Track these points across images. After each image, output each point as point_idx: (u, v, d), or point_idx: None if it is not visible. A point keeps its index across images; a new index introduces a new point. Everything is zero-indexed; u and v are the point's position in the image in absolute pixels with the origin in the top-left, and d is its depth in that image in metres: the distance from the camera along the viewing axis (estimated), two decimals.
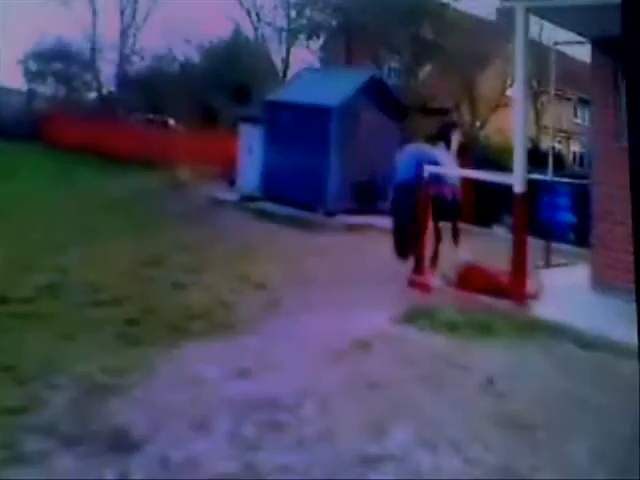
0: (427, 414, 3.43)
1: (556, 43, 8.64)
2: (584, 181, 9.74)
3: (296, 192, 11.81)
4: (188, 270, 7.10)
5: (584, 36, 6.98)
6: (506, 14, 21.56)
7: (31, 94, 26.80)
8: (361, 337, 4.72)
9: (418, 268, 6.11)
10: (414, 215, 6.57)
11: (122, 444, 3.11)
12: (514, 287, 5.39)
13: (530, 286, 5.55)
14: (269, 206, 11.85)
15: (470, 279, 5.65)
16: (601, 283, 6.21)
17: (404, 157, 7.43)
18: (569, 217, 10.78)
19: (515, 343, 4.67)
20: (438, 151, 7.12)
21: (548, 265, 7.67)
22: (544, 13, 6.10)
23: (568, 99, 26.08)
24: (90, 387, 3.76)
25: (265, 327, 5.11)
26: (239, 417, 3.39)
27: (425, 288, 5.90)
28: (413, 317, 5.29)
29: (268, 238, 9.27)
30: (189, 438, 3.16)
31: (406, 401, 3.58)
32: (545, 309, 5.27)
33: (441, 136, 7.31)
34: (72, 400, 3.56)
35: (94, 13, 25.35)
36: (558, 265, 7.78)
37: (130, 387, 3.74)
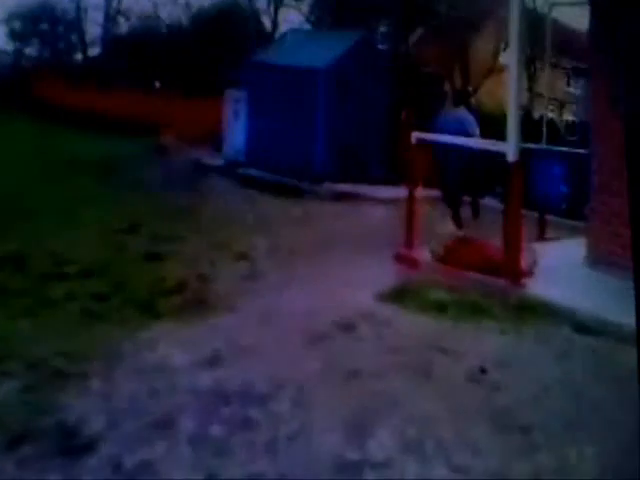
0: (412, 410, 3.05)
1: (553, 4, 8.08)
2: (578, 150, 9.32)
3: (282, 158, 11.28)
4: (166, 239, 6.67)
5: None
6: None
7: (17, 54, 25.76)
8: (344, 317, 4.33)
9: (408, 241, 5.68)
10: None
11: (71, 445, 2.72)
12: (507, 263, 5.00)
13: (524, 262, 5.16)
14: (254, 172, 11.33)
15: (460, 254, 5.25)
16: (598, 259, 5.84)
17: (449, 121, 7.94)
18: (563, 188, 10.39)
19: (508, 326, 4.29)
20: (471, 118, 8.36)
21: (542, 239, 7.28)
22: None
23: (562, 67, 25.43)
24: (43, 375, 3.35)
25: (243, 304, 4.71)
26: (206, 413, 3.00)
27: (413, 263, 5.50)
28: (400, 295, 4.90)
29: (252, 206, 8.82)
30: (147, 439, 2.77)
31: (390, 394, 3.20)
32: (540, 288, 4.90)
33: (462, 101, 7.91)
34: (19, 391, 3.15)
35: None
36: (552, 239, 7.40)
37: (88, 376, 3.34)
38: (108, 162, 11.58)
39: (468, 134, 8.23)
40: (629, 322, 4.33)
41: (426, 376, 3.44)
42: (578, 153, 9.69)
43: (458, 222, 7.76)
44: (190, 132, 14.35)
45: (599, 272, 5.72)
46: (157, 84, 20.90)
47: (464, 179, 8.47)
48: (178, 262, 5.88)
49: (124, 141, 14.86)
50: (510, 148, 5.08)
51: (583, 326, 4.34)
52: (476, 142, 6.65)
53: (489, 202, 9.97)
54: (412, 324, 4.31)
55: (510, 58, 5.38)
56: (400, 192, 9.12)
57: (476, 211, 8.74)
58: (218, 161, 12.51)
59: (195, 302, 4.75)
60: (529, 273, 5.15)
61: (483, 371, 3.59)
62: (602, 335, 4.24)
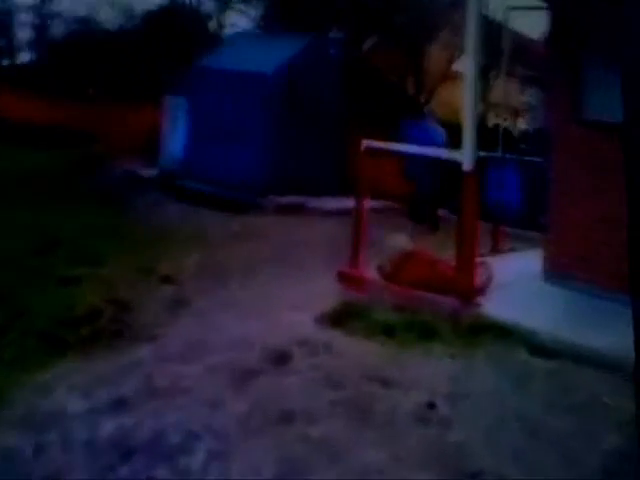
0: (351, 460, 2.72)
1: (511, 8, 8.04)
2: (533, 159, 9.29)
3: (223, 169, 10.87)
4: (84, 260, 6.18)
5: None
6: None
7: None
8: (278, 347, 3.99)
9: (353, 258, 5.38)
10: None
11: None
12: (460, 281, 4.76)
13: (478, 279, 4.94)
14: (192, 184, 10.88)
15: (409, 271, 4.98)
16: (555, 272, 5.69)
17: (419, 130, 8.46)
18: (517, 197, 10.35)
19: (461, 351, 4.03)
20: (440, 129, 9.07)
21: (496, 251, 7.13)
22: None
23: (515, 76, 25.94)
24: None
25: (163, 335, 4.31)
26: (102, 472, 2.60)
27: (358, 282, 5.19)
28: (342, 318, 4.60)
29: (187, 222, 8.39)
30: None
31: (325, 441, 2.86)
32: (494, 307, 4.67)
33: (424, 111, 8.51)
34: None
35: None
36: (507, 251, 7.25)
37: None
38: (31, 175, 10.93)
39: (437, 145, 8.37)
40: (587, 342, 4.17)
41: (368, 416, 3.13)
42: (533, 161, 9.69)
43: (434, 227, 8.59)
44: (124, 141, 13.79)
45: (556, 286, 5.57)
46: (91, 91, 20.17)
47: (436, 191, 8.88)
48: (95, 287, 5.42)
49: (53, 152, 14.19)
50: (466, 157, 4.88)
51: (540, 348, 4.13)
52: (431, 151, 6.45)
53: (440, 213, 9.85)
54: (354, 351, 4.00)
55: (466, 66, 5.23)
56: (350, 203, 8.94)
57: (435, 224, 8.79)
58: (154, 172, 12.00)
59: (108, 333, 4.33)
60: (483, 290, 4.93)
61: (431, 406, 3.30)
62: (560, 357, 4.03)
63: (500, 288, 5.09)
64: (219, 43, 17.46)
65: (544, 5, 6.86)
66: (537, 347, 4.09)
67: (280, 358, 3.80)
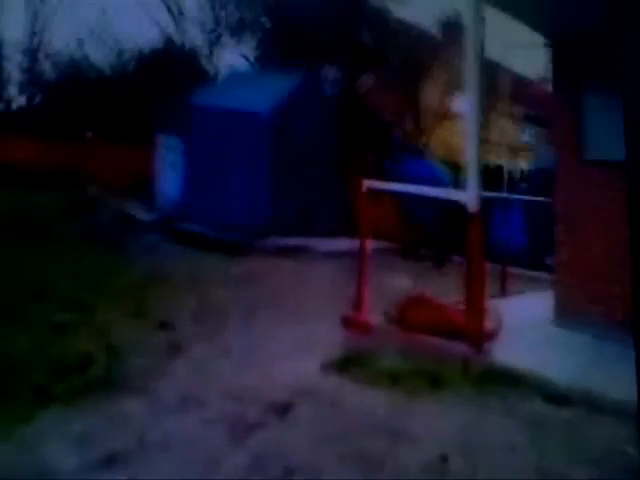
0: None
1: (509, 46, 8.12)
2: (538, 198, 9.27)
3: (222, 210, 10.82)
4: (79, 305, 6.05)
5: (546, 36, 6.45)
6: (449, 26, 21.52)
7: None
8: (280, 397, 3.83)
9: (357, 303, 5.25)
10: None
11: None
12: (469, 326, 4.63)
13: (488, 324, 4.81)
14: (191, 227, 10.80)
15: (416, 316, 4.85)
16: (566, 315, 5.56)
17: (420, 171, 8.72)
18: (521, 237, 10.30)
19: (472, 400, 3.87)
20: (443, 167, 9.28)
21: (504, 294, 7.01)
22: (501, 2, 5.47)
23: (514, 115, 26.29)
24: None
25: (158, 385, 4.14)
26: None
27: (363, 327, 5.05)
28: (347, 365, 4.44)
29: (183, 265, 8.28)
30: None
31: None
32: (506, 353, 4.53)
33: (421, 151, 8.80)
34: None
35: None
36: (515, 293, 7.13)
37: None
38: (24, 218, 10.86)
39: (444, 184, 8.41)
40: (603, 389, 4.01)
41: (376, 474, 2.95)
42: (536, 201, 9.67)
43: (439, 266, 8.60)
44: (119, 182, 13.79)
45: (568, 330, 5.43)
46: (89, 134, 20.32)
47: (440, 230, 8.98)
48: (88, 332, 5.27)
49: (46, 194, 14.15)
50: (471, 197, 4.81)
51: (555, 396, 3.97)
52: (434, 191, 6.39)
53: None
54: (360, 401, 3.84)
55: (467, 105, 5.23)
56: (351, 244, 8.85)
57: (441, 263, 8.78)
58: (150, 214, 11.95)
59: (100, 383, 4.16)
60: (493, 336, 4.79)
61: (444, 459, 3.13)
62: (576, 406, 3.87)
63: (511, 333, 4.95)
64: (212, 81, 17.67)
65: (543, 43, 6.94)
66: (552, 396, 3.93)
67: (282, 409, 3.64)
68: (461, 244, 8.47)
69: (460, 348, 4.57)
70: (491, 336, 4.72)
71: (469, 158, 5.07)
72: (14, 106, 24.35)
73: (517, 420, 3.69)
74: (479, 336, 4.61)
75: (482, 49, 5.38)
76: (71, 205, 12.37)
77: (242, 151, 11.05)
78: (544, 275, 8.13)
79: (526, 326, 5.37)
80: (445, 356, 4.50)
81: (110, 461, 3.01)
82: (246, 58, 21.15)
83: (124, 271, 7.84)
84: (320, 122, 12.08)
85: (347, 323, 5.18)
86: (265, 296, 6.86)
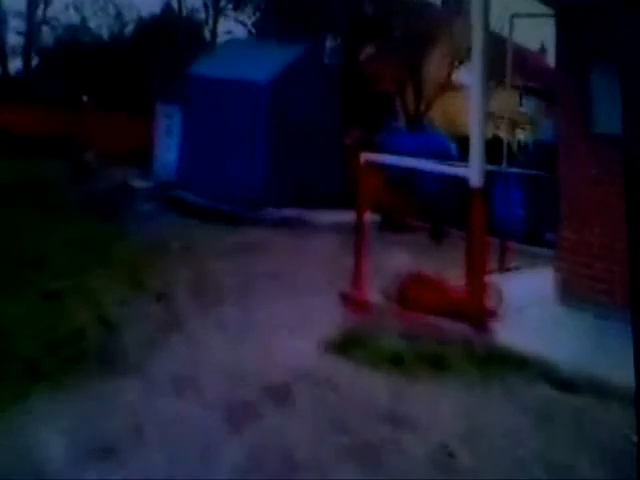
0: None
1: (514, 15, 7.80)
2: (539, 173, 9.05)
3: (218, 180, 10.57)
4: (72, 273, 5.87)
5: (550, 5, 6.14)
6: None
7: None
8: (277, 379, 3.67)
9: (355, 280, 5.06)
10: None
11: None
12: (470, 305, 4.46)
13: (489, 301, 4.64)
14: (186, 195, 10.56)
15: (416, 294, 4.67)
16: (570, 294, 5.40)
17: (420, 142, 8.36)
18: (521, 212, 10.10)
19: (475, 384, 3.73)
20: (448, 139, 8.94)
21: (503, 269, 6.83)
22: None
23: (514, 87, 25.83)
24: None
25: (153, 363, 3.98)
26: None
27: (362, 305, 4.88)
28: (347, 345, 4.28)
29: (178, 234, 8.06)
30: None
31: None
32: (509, 333, 4.38)
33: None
34: None
35: None
36: (515, 269, 6.96)
37: None
38: (20, 184, 10.59)
39: (450, 156, 8.18)
40: (607, 375, 3.86)
41: (378, 464, 2.80)
42: (536, 176, 9.44)
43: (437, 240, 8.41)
44: (117, 149, 13.49)
45: (572, 309, 5.28)
46: (85, 98, 19.87)
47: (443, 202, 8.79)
48: (80, 302, 5.09)
49: (43, 161, 13.85)
50: (473, 173, 4.59)
51: (561, 381, 3.82)
52: (435, 166, 6.15)
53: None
54: (361, 385, 3.68)
55: (472, 77, 4.97)
56: (348, 216, 8.63)
57: (439, 236, 8.60)
58: (146, 182, 11.69)
59: (92, 358, 3.99)
60: (495, 314, 4.63)
61: (446, 449, 2.99)
62: (580, 392, 3.73)
63: (513, 313, 4.79)
64: (212, 50, 17.22)
65: (548, 13, 6.63)
66: (558, 380, 3.78)
67: (279, 394, 3.48)
68: (461, 218, 8.23)
69: (462, 328, 4.41)
70: (493, 315, 4.55)
71: (473, 132, 4.85)
72: (11, 72, 23.83)
73: (522, 404, 3.54)
74: (481, 315, 4.45)
75: (487, 20, 5.12)
76: (68, 172, 12.09)
77: (240, 121, 10.75)
78: (544, 251, 7.96)
79: (528, 304, 5.21)
80: (446, 336, 4.34)
81: (103, 450, 2.85)
82: (245, 26, 20.62)
83: (120, 240, 7.63)
84: (320, 93, 11.75)
85: (346, 300, 5.01)
86: (262, 269, 6.68)
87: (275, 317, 5.03)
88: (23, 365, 3.83)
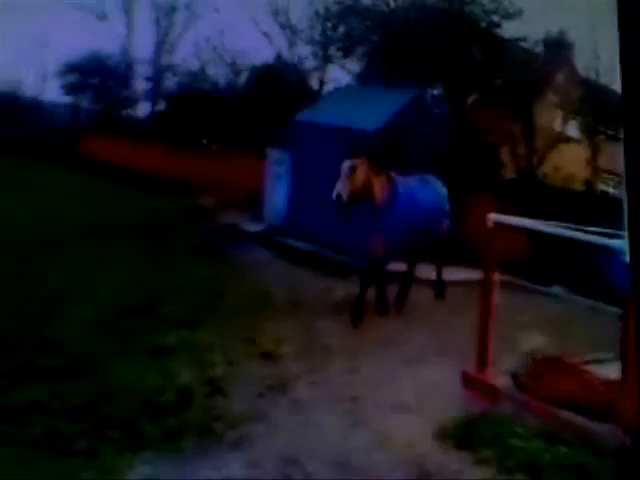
0: None
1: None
2: None
3: (327, 229, 10.12)
4: (180, 324, 5.58)
5: None
6: (553, 45, 19.85)
7: (67, 109, 26.13)
8: (392, 475, 3.08)
9: (479, 357, 4.33)
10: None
11: None
12: (623, 403, 3.63)
13: None
14: (296, 242, 10.19)
15: (553, 384, 3.90)
16: None
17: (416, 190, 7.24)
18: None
19: None
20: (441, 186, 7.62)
21: None
22: None
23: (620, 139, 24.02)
24: None
25: (258, 436, 3.54)
26: None
27: (488, 390, 4.16)
28: (469, 437, 3.60)
29: (288, 284, 7.63)
30: None
31: None
32: None
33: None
34: None
35: (129, 28, 24.69)
36: None
37: None
38: (137, 225, 10.70)
39: (441, 208, 7.33)
40: None
41: None
42: None
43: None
44: (233, 193, 13.54)
45: None
46: (205, 141, 20.53)
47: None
48: (188, 359, 4.75)
49: (162, 200, 14.09)
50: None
51: None
52: (581, 235, 4.99)
53: (559, 292, 8.45)
54: None
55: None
56: (466, 274, 7.79)
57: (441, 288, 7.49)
58: (257, 227, 11.52)
59: (196, 428, 3.59)
60: None
61: None
62: None
63: None
64: (321, 97, 17.18)
65: None
66: None
67: None
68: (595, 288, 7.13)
69: (610, 431, 3.60)
70: None
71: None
72: (141, 114, 25.30)
73: None
74: (634, 417, 3.62)
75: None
76: (185, 214, 12.21)
77: None
78: None
79: None
80: (590, 440, 3.55)
81: None
82: (351, 74, 20.59)
83: (229, 287, 7.32)
84: (430, 142, 11.16)
85: (468, 382, 4.31)
86: (373, 329, 6.09)
87: (387, 390, 4.43)
88: (123, 431, 3.49)
